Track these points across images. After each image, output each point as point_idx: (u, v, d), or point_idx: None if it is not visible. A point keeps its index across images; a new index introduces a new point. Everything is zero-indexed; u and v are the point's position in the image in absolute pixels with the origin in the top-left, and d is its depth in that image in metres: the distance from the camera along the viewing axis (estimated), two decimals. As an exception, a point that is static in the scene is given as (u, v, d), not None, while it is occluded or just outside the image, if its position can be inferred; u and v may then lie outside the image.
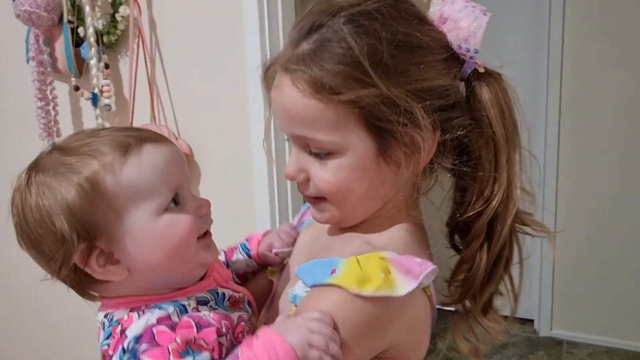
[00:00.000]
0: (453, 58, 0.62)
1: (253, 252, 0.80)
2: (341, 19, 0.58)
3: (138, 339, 0.54)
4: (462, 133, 0.62)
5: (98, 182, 0.56)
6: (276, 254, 0.78)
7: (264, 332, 0.54)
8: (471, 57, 0.61)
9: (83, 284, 0.59)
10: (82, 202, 0.55)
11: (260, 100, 1.51)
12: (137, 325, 0.55)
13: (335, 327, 0.54)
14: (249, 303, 0.69)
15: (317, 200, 0.65)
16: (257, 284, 0.82)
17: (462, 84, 0.64)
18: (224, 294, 0.64)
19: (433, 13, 0.63)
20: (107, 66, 1.63)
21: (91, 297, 0.62)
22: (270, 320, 0.71)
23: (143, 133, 0.61)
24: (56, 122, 1.73)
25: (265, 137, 0.73)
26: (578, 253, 2.60)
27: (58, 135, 1.73)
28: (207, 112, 1.62)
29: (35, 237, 0.57)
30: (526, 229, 0.67)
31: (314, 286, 0.58)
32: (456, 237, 0.68)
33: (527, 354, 2.61)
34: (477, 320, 0.67)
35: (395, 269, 0.55)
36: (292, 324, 0.54)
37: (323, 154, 0.60)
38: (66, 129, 1.78)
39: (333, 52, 0.56)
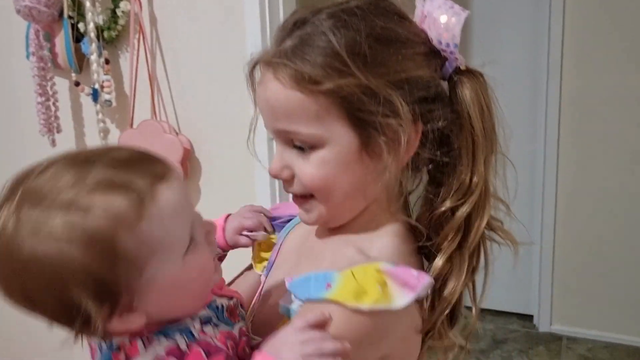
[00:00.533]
0: (434, 54, 0.63)
1: (220, 241, 0.77)
2: (322, 15, 0.60)
3: None
4: (443, 125, 0.62)
5: (117, 243, 0.48)
6: (249, 236, 0.77)
7: (257, 356, 0.52)
8: (451, 53, 0.62)
9: (92, 332, 0.52)
10: (101, 266, 0.48)
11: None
12: (147, 355, 0.52)
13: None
14: (241, 305, 0.68)
15: (304, 199, 0.65)
16: (246, 279, 0.82)
17: (445, 83, 0.65)
18: (222, 305, 0.63)
19: (416, 14, 0.65)
20: (107, 62, 1.63)
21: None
22: (257, 318, 0.71)
23: (146, 166, 0.53)
24: (56, 117, 1.73)
25: (251, 135, 0.72)
26: (578, 249, 2.60)
27: (58, 131, 1.73)
28: (208, 107, 1.61)
29: (40, 301, 0.50)
30: (493, 235, 0.67)
31: (308, 300, 0.57)
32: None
33: (526, 349, 2.62)
34: (444, 329, 0.65)
35: (391, 281, 0.55)
36: (283, 341, 0.52)
37: (306, 148, 0.61)
38: (66, 125, 1.78)
39: (314, 45, 0.58)
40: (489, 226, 0.66)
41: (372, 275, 0.55)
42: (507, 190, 0.68)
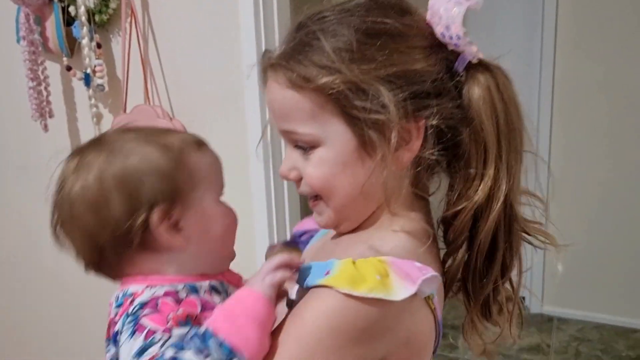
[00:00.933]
0: (439, 47, 0.61)
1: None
2: (320, 15, 0.61)
3: (142, 305, 0.57)
4: (444, 122, 0.60)
5: (184, 155, 0.63)
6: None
7: (241, 290, 0.59)
8: (455, 45, 0.60)
9: (131, 253, 0.62)
10: (170, 167, 0.61)
11: (255, 80, 1.50)
12: (145, 294, 0.58)
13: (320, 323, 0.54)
14: None
15: (314, 201, 0.65)
16: None
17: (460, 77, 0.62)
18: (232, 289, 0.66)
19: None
20: (99, 46, 1.62)
21: (116, 276, 0.64)
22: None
23: (198, 138, 0.69)
24: (48, 102, 1.71)
25: (262, 139, 0.76)
26: (568, 233, 2.63)
27: (50, 116, 1.72)
28: (202, 91, 1.60)
29: (109, 199, 0.60)
30: (530, 238, 0.67)
31: (306, 287, 0.57)
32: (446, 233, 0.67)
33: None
34: (478, 320, 0.67)
35: (393, 272, 0.54)
36: (255, 278, 0.59)
37: (307, 148, 0.62)
38: (58, 110, 1.77)
39: (307, 45, 0.60)
40: (523, 228, 0.66)
41: (373, 264, 0.54)
42: (542, 189, 0.68)
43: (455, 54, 0.62)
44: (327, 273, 0.55)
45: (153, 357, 0.52)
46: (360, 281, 0.52)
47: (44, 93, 1.70)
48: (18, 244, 2.10)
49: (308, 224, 0.84)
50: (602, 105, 2.45)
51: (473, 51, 0.61)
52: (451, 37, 0.60)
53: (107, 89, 1.63)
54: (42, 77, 1.68)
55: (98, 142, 0.64)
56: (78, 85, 1.74)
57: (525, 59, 2.56)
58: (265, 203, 1.57)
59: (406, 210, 0.64)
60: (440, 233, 0.67)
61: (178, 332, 0.54)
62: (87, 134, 1.79)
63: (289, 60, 0.60)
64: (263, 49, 1.49)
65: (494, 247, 0.63)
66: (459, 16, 0.59)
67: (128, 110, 1.64)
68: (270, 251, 0.85)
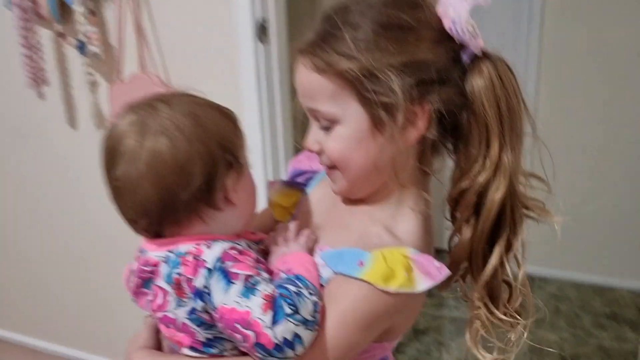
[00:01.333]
0: (447, 39, 0.68)
1: None
2: (345, 8, 0.69)
3: (220, 259, 0.64)
4: (446, 107, 0.68)
5: (238, 122, 0.72)
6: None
7: (287, 256, 0.70)
8: (461, 38, 0.67)
9: (203, 209, 0.67)
10: (239, 132, 0.71)
11: (250, 45, 1.52)
12: (213, 250, 0.65)
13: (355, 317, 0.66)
14: None
15: (331, 170, 0.74)
16: (261, 217, 0.89)
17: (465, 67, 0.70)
18: (256, 248, 0.74)
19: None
20: (92, 13, 1.61)
21: (166, 234, 0.69)
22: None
23: None
24: (42, 70, 1.71)
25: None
26: (549, 196, 2.68)
27: (45, 84, 1.72)
28: (197, 58, 1.62)
29: (197, 157, 0.65)
30: (531, 213, 0.76)
31: (341, 274, 0.67)
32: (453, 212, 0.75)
33: (500, 289, 2.75)
34: (484, 305, 0.74)
35: (416, 268, 0.65)
36: (292, 246, 0.74)
37: (328, 125, 0.70)
38: (52, 77, 1.77)
39: (331, 35, 0.68)
40: (525, 205, 0.75)
41: (399, 260, 0.65)
42: (545, 174, 0.77)
43: (462, 45, 0.69)
44: (361, 264, 0.65)
45: (271, 293, 0.62)
46: (391, 277, 0.64)
47: (38, 60, 1.70)
48: (13, 211, 2.12)
49: (305, 163, 0.91)
50: (590, 69, 2.45)
51: (478, 44, 0.68)
52: (457, 31, 0.67)
53: (102, 57, 1.64)
54: (35, 45, 1.68)
55: (165, 102, 0.68)
56: (70, 52, 1.74)
57: (512, 22, 2.56)
58: (261, 167, 1.61)
59: (411, 183, 0.73)
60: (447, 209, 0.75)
61: (265, 275, 0.65)
62: (82, 101, 1.80)
63: (315, 47, 0.68)
64: (257, 15, 1.51)
65: (498, 225, 0.72)
66: (465, 11, 0.66)
67: (124, 78, 1.65)
68: (271, 187, 0.91)
